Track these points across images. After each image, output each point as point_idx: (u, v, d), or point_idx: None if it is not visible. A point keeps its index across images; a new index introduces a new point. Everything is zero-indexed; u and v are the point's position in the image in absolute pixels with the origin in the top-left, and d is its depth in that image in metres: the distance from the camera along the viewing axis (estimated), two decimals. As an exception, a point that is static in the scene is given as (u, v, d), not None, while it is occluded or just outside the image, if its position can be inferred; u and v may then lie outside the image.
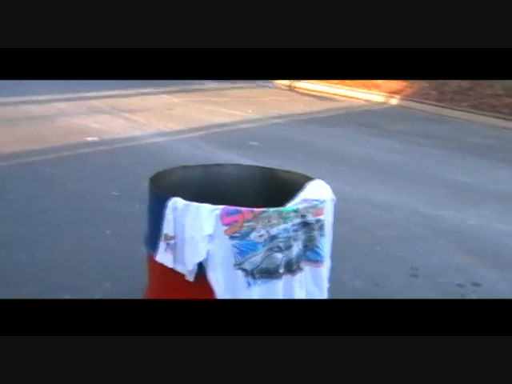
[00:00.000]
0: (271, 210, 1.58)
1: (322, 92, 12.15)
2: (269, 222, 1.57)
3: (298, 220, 1.61)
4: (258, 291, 1.62)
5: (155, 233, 1.70)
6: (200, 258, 1.56)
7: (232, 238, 1.56)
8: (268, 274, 1.62)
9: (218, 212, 1.54)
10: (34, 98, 9.06)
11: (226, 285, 1.61)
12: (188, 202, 1.59)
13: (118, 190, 4.08)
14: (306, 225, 1.64)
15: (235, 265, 1.58)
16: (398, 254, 3.27)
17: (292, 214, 1.60)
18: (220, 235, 1.55)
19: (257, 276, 1.60)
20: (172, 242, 1.62)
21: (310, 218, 1.64)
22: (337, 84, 12.74)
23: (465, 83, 11.25)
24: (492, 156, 6.34)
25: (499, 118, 9.11)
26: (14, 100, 8.62)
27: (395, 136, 7.52)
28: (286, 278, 1.66)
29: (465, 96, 10.57)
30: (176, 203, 1.60)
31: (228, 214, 1.54)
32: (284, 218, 1.59)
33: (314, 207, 1.66)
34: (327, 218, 1.72)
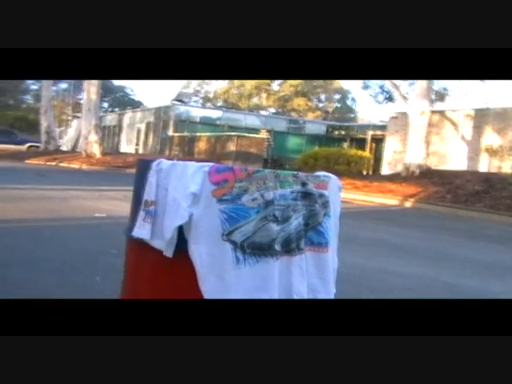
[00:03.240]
0: (267, 170, 1.38)
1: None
2: (264, 183, 1.36)
3: (298, 187, 1.41)
4: (249, 273, 1.37)
5: (136, 213, 1.50)
6: (181, 221, 1.33)
7: (220, 201, 1.34)
8: (261, 250, 1.37)
9: (206, 169, 1.34)
10: (52, 186, 9.35)
11: (211, 262, 1.36)
12: (174, 162, 1.41)
13: (117, 250, 3.88)
14: (307, 196, 1.42)
15: (222, 235, 1.35)
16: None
17: (291, 179, 1.40)
18: (207, 197, 1.34)
19: (247, 251, 1.36)
20: (152, 208, 1.41)
21: (313, 188, 1.43)
22: (351, 189, 12.89)
23: (479, 186, 11.23)
24: (511, 243, 6.04)
25: (518, 217, 8.89)
26: (33, 187, 8.88)
27: (413, 227, 7.32)
28: (282, 259, 1.40)
29: (480, 198, 10.49)
30: (161, 164, 1.41)
31: (218, 171, 1.35)
32: (282, 181, 1.38)
33: (316, 178, 1.46)
34: (332, 197, 1.50)
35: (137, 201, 1.51)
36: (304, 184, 1.42)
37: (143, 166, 1.49)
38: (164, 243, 1.38)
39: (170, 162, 1.41)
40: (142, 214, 1.43)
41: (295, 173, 1.42)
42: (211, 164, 1.36)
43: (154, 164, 1.42)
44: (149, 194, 1.42)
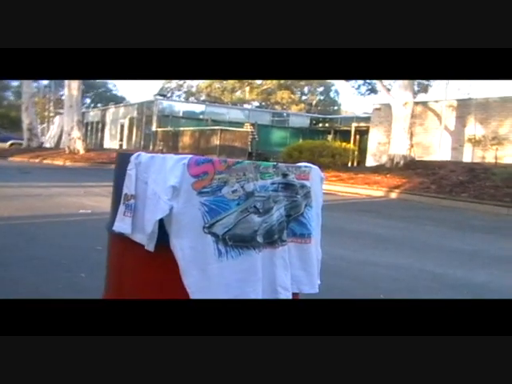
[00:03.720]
0: (247, 161, 1.37)
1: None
2: (244, 175, 1.35)
3: (279, 178, 1.40)
4: (231, 265, 1.35)
5: (116, 207, 1.47)
6: (162, 215, 1.31)
7: (201, 193, 1.33)
8: (243, 242, 1.36)
9: (185, 161, 1.33)
10: (37, 183, 9.24)
11: (193, 255, 1.34)
12: (154, 155, 1.39)
13: (102, 246, 3.84)
14: (288, 186, 1.41)
15: (204, 228, 1.33)
16: (404, 302, 2.95)
17: (271, 170, 1.39)
18: (187, 190, 1.32)
19: (229, 243, 1.35)
20: (131, 202, 1.39)
21: (294, 179, 1.43)
22: (336, 181, 12.94)
23: (463, 176, 11.35)
24: (496, 232, 6.12)
25: (501, 206, 9.01)
26: (18, 184, 8.77)
27: (398, 218, 7.37)
28: (265, 251, 1.39)
29: (464, 188, 10.60)
30: (140, 157, 1.40)
31: (197, 163, 1.33)
32: (262, 172, 1.37)
33: (297, 169, 1.45)
34: (314, 188, 1.50)
35: (117, 195, 1.49)
36: (285, 175, 1.41)
37: (122, 159, 1.47)
38: (145, 237, 1.36)
39: (149, 154, 1.39)
40: (122, 207, 1.42)
41: (275, 163, 1.41)
42: (190, 156, 1.34)
43: (133, 157, 1.40)
44: (128, 187, 1.40)
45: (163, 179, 1.33)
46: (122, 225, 1.41)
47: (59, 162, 16.87)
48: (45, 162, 17.09)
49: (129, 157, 1.42)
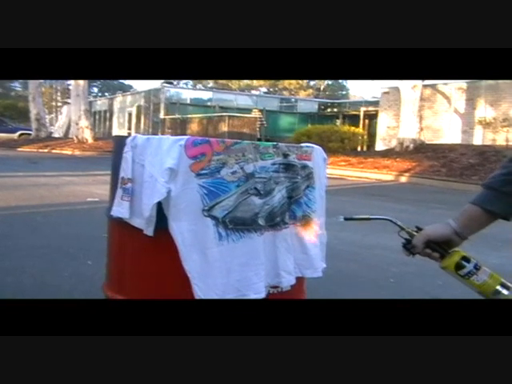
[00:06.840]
0: (246, 141, 1.33)
1: (331, 174, 12.21)
2: (243, 156, 1.31)
3: (280, 159, 1.35)
4: (232, 249, 1.32)
5: (115, 192, 1.44)
6: (159, 198, 1.28)
7: (199, 175, 1.29)
8: (244, 225, 1.32)
9: (182, 142, 1.29)
10: (45, 173, 9.27)
11: (193, 239, 1.31)
12: (149, 136, 1.35)
13: (108, 233, 3.84)
14: (289, 167, 1.37)
15: (203, 210, 1.30)
16: (415, 286, 2.92)
17: (271, 150, 1.34)
18: (185, 172, 1.28)
19: (230, 226, 1.31)
20: (129, 185, 1.35)
21: (295, 159, 1.38)
22: (345, 166, 12.85)
23: (473, 159, 11.21)
24: (509, 215, 6.03)
25: (513, 188, 8.86)
26: (25, 174, 8.80)
27: (408, 202, 7.30)
28: (267, 234, 1.36)
29: (474, 171, 10.47)
30: (136, 140, 1.36)
31: (194, 144, 1.29)
32: (262, 153, 1.33)
33: (298, 149, 1.40)
34: (317, 169, 1.45)
35: (115, 179, 1.46)
36: (285, 155, 1.36)
37: (119, 142, 1.43)
38: (143, 221, 1.33)
39: (145, 136, 1.35)
40: (119, 191, 1.38)
41: (275, 143, 1.36)
42: (187, 137, 1.30)
43: (129, 140, 1.36)
44: (125, 170, 1.36)
45: (160, 161, 1.29)
46: (120, 209, 1.38)
47: (68, 152, 16.92)
48: (54, 151, 17.15)
49: (124, 139, 1.38)
